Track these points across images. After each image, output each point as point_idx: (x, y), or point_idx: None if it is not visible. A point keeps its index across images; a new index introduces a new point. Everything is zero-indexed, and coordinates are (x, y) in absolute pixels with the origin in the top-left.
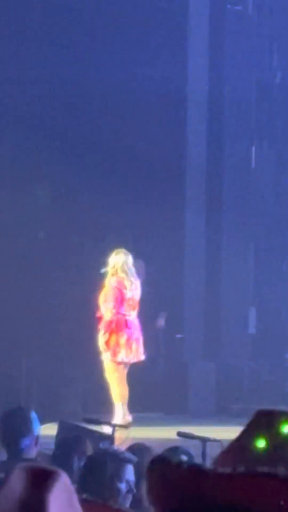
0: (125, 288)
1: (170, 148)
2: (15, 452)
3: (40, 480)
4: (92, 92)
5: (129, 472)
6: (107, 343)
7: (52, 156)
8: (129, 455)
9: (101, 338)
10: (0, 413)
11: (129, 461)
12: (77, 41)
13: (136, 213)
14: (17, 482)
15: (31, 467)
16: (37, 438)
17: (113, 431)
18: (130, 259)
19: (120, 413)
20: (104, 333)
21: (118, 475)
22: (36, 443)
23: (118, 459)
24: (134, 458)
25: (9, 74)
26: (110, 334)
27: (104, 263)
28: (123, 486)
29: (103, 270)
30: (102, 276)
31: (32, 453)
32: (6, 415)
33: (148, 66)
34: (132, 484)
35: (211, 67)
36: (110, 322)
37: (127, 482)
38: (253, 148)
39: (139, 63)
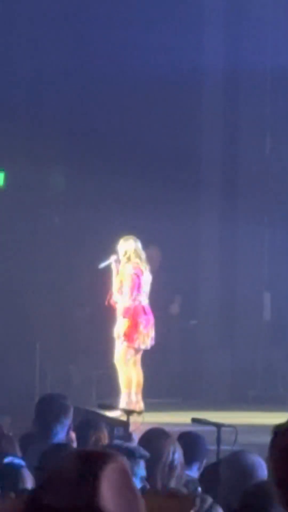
0: (142, 273)
1: (185, 133)
2: (46, 437)
3: (93, 461)
4: (105, 77)
5: (142, 468)
6: (126, 329)
7: (66, 142)
8: (143, 452)
9: (120, 325)
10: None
11: (141, 456)
12: (90, 22)
13: (150, 199)
14: (71, 463)
15: (86, 450)
16: (69, 426)
17: (128, 417)
18: (139, 244)
19: (125, 400)
20: (123, 320)
21: (131, 471)
22: (68, 431)
23: (131, 455)
24: (146, 454)
25: (25, 60)
26: (129, 320)
27: (104, 257)
28: (137, 482)
29: (102, 265)
30: (105, 269)
31: (63, 439)
32: (43, 399)
33: (163, 50)
34: (144, 479)
35: (227, 52)
36: (129, 308)
37: (141, 478)
38: (268, 134)
39: (155, 47)
